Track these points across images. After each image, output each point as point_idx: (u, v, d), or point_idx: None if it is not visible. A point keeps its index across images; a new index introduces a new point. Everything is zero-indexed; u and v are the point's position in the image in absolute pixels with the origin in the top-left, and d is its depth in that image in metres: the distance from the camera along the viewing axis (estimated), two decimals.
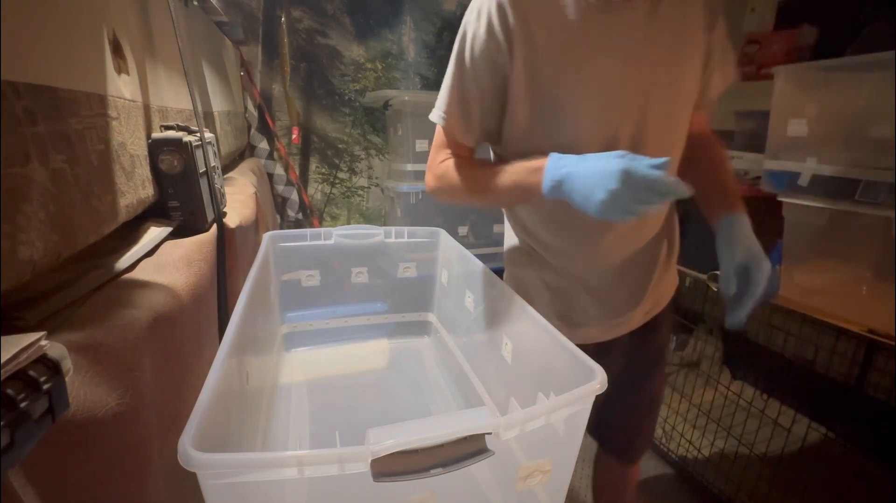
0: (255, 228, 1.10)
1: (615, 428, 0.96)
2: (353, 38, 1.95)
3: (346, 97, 2.00)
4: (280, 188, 1.94)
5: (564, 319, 0.81)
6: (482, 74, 0.66)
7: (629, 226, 0.72)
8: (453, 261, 1.09)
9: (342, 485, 0.41)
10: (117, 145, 0.54)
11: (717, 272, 0.71)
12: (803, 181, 1.18)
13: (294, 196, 1.97)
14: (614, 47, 0.62)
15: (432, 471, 0.41)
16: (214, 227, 0.79)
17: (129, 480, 0.44)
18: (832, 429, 1.33)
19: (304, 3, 1.85)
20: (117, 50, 0.57)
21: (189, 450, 0.37)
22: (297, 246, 1.07)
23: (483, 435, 0.44)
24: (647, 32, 0.63)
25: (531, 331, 0.69)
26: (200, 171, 0.72)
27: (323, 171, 2.04)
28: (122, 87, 0.56)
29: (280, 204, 1.97)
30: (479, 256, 0.98)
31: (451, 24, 2.07)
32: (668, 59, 0.65)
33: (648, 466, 1.54)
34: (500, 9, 0.61)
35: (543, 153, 0.63)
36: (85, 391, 0.38)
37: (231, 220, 0.86)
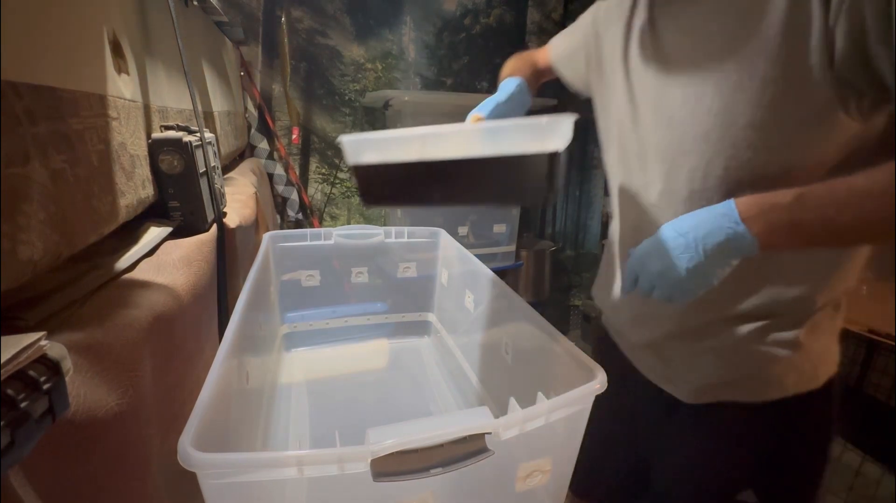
0: (255, 228, 1.10)
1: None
2: (353, 39, 1.95)
3: (346, 97, 1.99)
4: (280, 188, 1.94)
5: None
6: None
7: None
8: (453, 261, 1.09)
9: (342, 485, 0.41)
10: (117, 145, 0.54)
11: None
12: None
13: (294, 196, 1.97)
14: None
15: (432, 471, 0.41)
16: (214, 227, 0.79)
17: (129, 480, 0.44)
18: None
19: (304, 3, 1.85)
20: (117, 50, 0.57)
21: (189, 449, 0.37)
22: (297, 246, 1.07)
23: (483, 434, 0.44)
24: None
25: (531, 331, 0.69)
26: (200, 171, 0.72)
27: (323, 171, 2.04)
28: (122, 88, 0.56)
29: (280, 204, 1.97)
30: (479, 256, 0.98)
31: (451, 25, 2.07)
32: None
33: None
34: None
35: None
36: (85, 391, 0.38)
37: (231, 220, 0.86)
